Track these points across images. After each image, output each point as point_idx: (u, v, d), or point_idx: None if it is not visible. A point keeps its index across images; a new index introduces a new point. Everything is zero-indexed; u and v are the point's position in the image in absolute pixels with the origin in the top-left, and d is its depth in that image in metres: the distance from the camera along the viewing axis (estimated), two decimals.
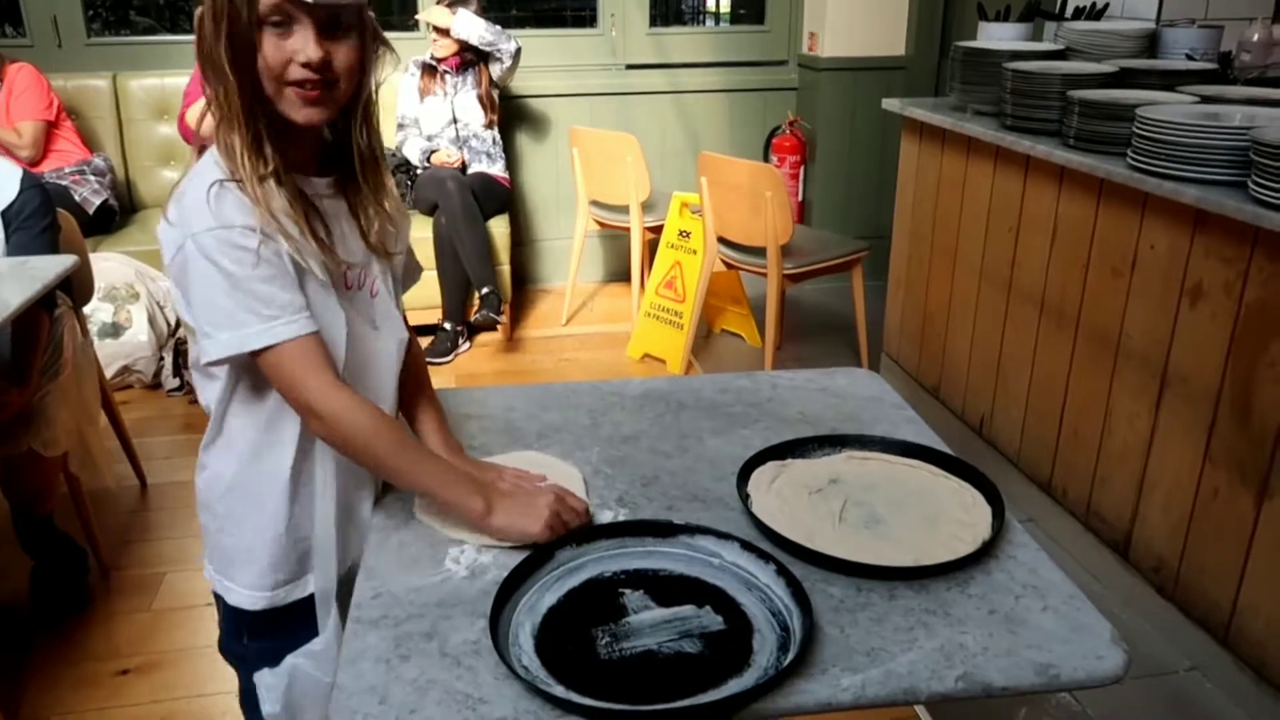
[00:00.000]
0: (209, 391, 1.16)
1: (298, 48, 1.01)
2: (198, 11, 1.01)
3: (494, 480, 1.15)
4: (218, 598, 1.26)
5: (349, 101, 1.08)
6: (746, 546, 1.02)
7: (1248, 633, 1.94)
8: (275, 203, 1.05)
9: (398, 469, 1.10)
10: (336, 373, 1.09)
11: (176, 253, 1.05)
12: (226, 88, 1.01)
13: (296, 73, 1.01)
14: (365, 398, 1.10)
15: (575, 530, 1.08)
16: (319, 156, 1.14)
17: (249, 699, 1.30)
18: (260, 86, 1.02)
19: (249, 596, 1.21)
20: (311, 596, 1.22)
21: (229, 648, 1.32)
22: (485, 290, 3.64)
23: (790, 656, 0.87)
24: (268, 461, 1.16)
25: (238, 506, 1.19)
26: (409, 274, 1.31)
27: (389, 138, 3.96)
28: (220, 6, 0.98)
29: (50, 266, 2.08)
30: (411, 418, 1.29)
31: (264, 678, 1.22)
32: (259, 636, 1.25)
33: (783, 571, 0.98)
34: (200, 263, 1.02)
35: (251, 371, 1.11)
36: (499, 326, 3.73)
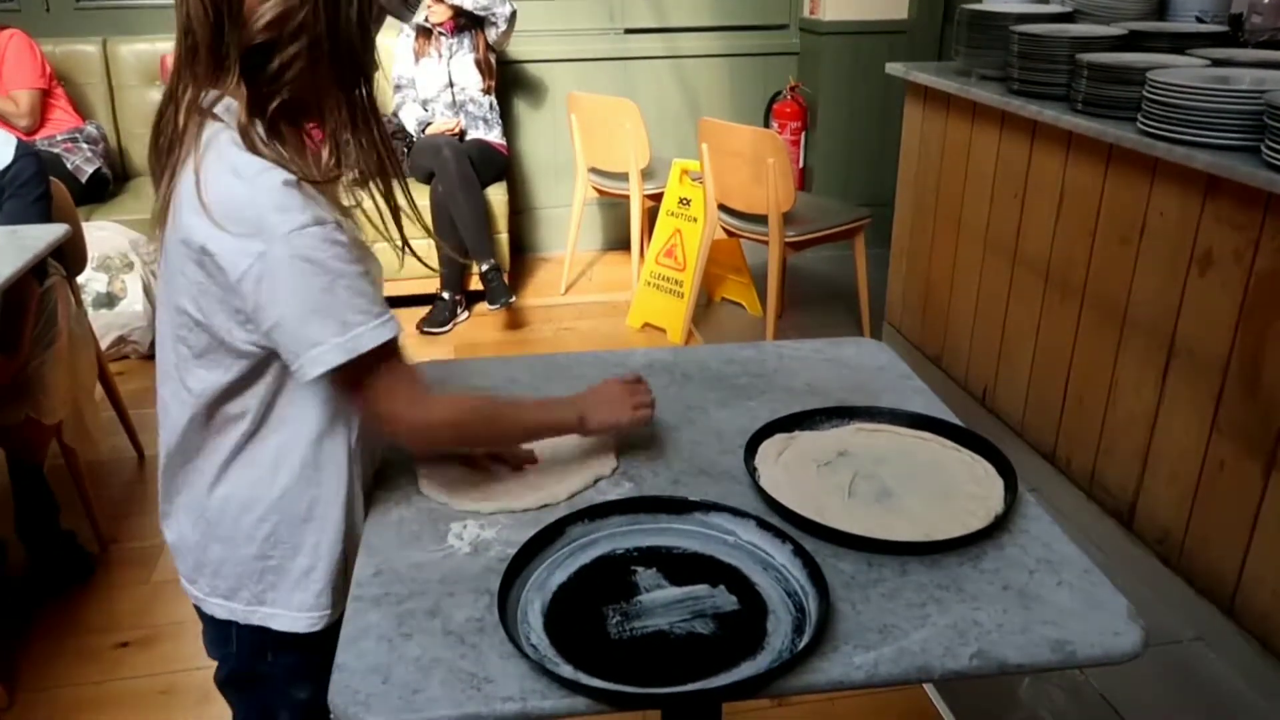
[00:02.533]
0: (218, 406, 1.05)
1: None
2: (266, 16, 0.92)
3: (595, 394, 1.16)
4: (217, 623, 1.16)
5: None
6: (763, 525, 1.00)
7: (1252, 604, 1.93)
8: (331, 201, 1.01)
9: (504, 433, 1.12)
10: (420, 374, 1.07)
11: (255, 262, 0.93)
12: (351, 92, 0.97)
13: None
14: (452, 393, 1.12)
15: (586, 505, 1.06)
16: None
17: (270, 717, 1.22)
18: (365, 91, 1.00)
19: (305, 619, 1.12)
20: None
21: (246, 669, 1.20)
22: (485, 267, 3.61)
23: (805, 640, 0.86)
24: (325, 470, 1.07)
25: (286, 528, 1.09)
26: None
27: (386, 101, 3.90)
28: (347, 20, 0.94)
29: (42, 236, 2.05)
30: None
31: None
32: (289, 652, 1.15)
33: (800, 552, 0.96)
34: (297, 265, 0.93)
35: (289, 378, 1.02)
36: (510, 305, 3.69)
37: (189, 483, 1.13)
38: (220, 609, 1.14)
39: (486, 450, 1.16)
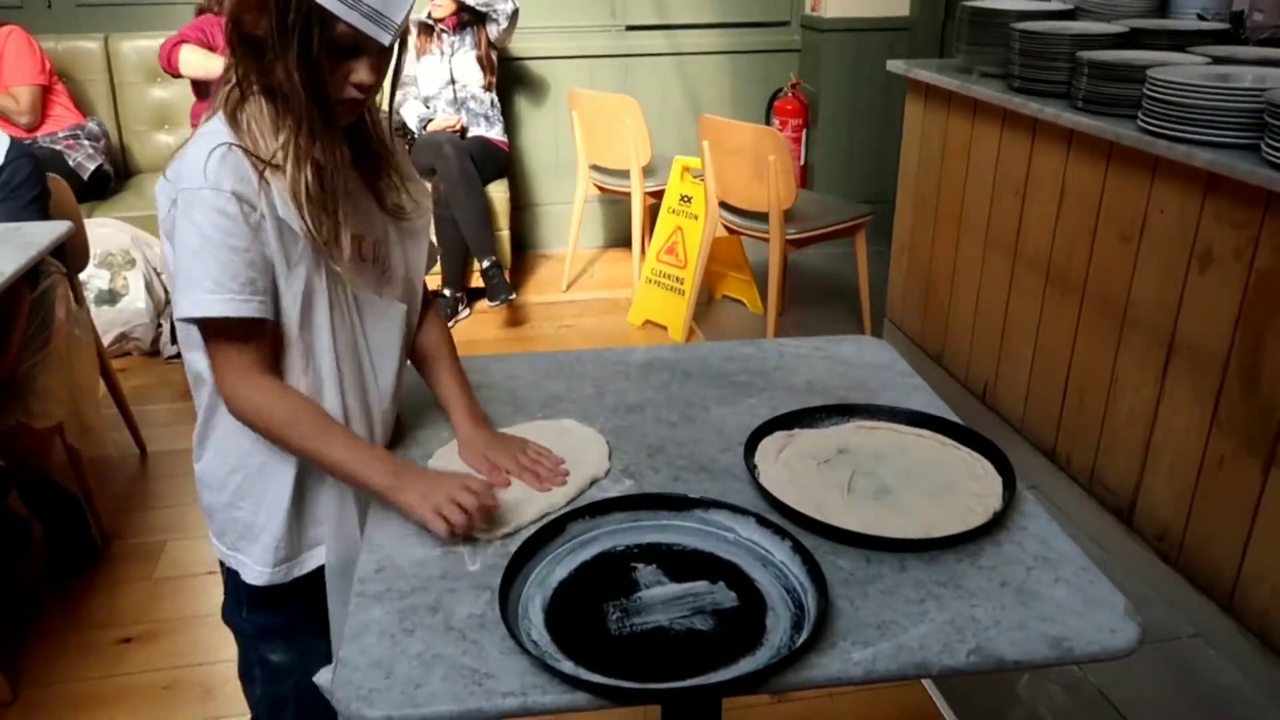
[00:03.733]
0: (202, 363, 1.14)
1: (355, 74, 1.05)
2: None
3: (428, 475, 1.12)
4: (225, 568, 1.28)
5: None
6: (762, 522, 1.01)
7: (1251, 600, 1.93)
8: (297, 182, 1.05)
9: (311, 450, 1.11)
10: (267, 361, 1.10)
11: (170, 208, 1.07)
12: (288, 93, 1.03)
13: (350, 93, 1.06)
14: (288, 386, 1.12)
15: (586, 504, 1.07)
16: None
17: (248, 671, 1.32)
18: (317, 92, 1.04)
19: (258, 572, 1.22)
20: (310, 574, 1.22)
21: (230, 618, 1.33)
22: (486, 264, 3.61)
23: (804, 636, 0.86)
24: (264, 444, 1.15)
25: (248, 482, 1.19)
26: (430, 256, 1.30)
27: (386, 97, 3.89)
28: (294, 23, 0.99)
29: (44, 233, 2.05)
30: (433, 385, 1.29)
31: (323, 678, 1.19)
32: (258, 611, 1.27)
33: (799, 549, 0.96)
34: (185, 222, 1.04)
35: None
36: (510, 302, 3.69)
37: (199, 436, 1.22)
38: (216, 549, 1.26)
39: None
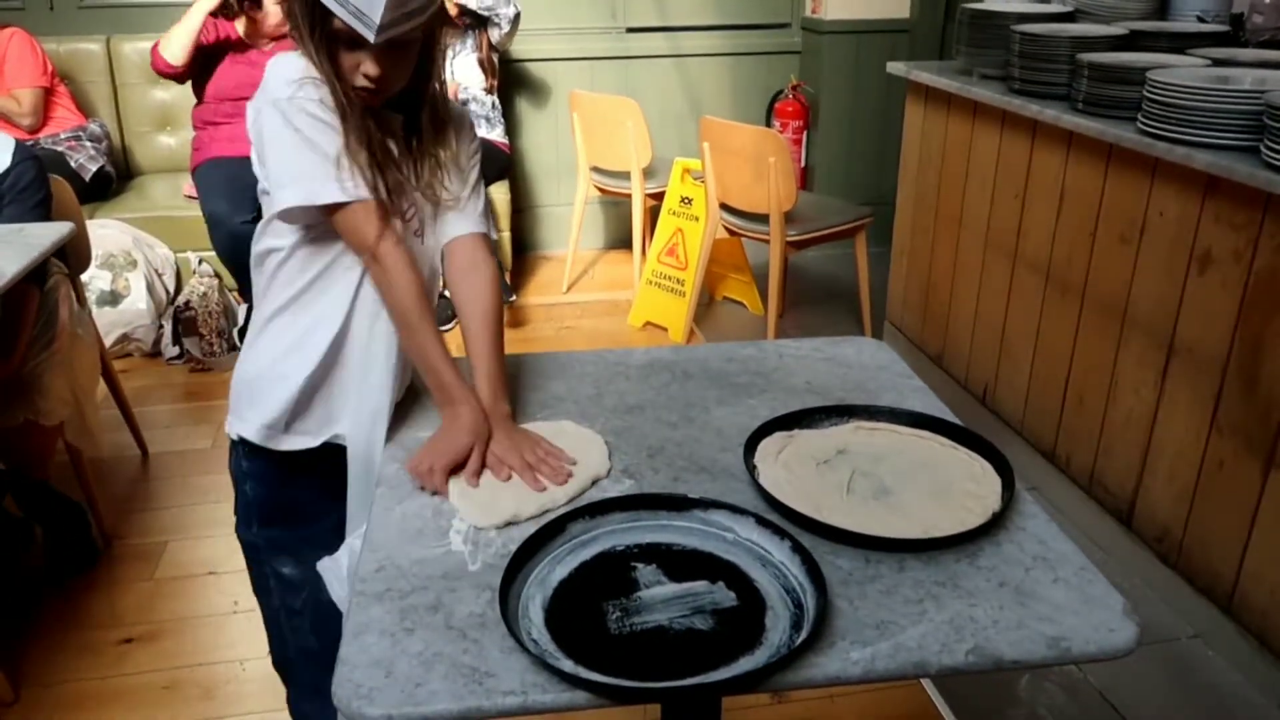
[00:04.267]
0: (268, 262, 1.26)
1: (362, 65, 1.13)
2: None
3: (479, 418, 1.19)
4: (234, 474, 1.36)
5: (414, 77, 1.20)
6: (761, 522, 1.01)
7: (1251, 602, 1.94)
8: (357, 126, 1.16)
9: (414, 331, 1.20)
10: (397, 230, 1.20)
11: (256, 117, 1.18)
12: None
13: (359, 80, 1.15)
14: (413, 262, 1.21)
15: (588, 502, 1.08)
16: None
17: (263, 584, 1.40)
18: (333, 74, 1.16)
19: (250, 427, 1.30)
20: (298, 455, 1.31)
21: (241, 533, 1.41)
22: None
23: (803, 635, 0.86)
24: (312, 310, 1.25)
25: (268, 341, 1.29)
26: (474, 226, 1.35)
27: None
28: (303, 13, 1.12)
29: (46, 234, 2.06)
30: (470, 354, 1.31)
31: (325, 565, 1.25)
32: (269, 525, 1.36)
33: (798, 548, 0.97)
34: (276, 123, 1.15)
35: (314, 234, 1.22)
36: (511, 303, 3.70)
37: (258, 318, 1.32)
38: (230, 428, 1.34)
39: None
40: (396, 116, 1.23)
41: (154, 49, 3.43)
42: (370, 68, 1.13)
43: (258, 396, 1.30)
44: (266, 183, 1.20)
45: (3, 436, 2.16)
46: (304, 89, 1.15)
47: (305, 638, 1.42)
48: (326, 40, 1.12)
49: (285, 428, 1.30)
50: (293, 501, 1.35)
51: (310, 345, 1.26)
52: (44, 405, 2.14)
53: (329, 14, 1.09)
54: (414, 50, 1.17)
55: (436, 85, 1.25)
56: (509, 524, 1.06)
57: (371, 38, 1.09)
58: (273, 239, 1.25)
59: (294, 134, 1.14)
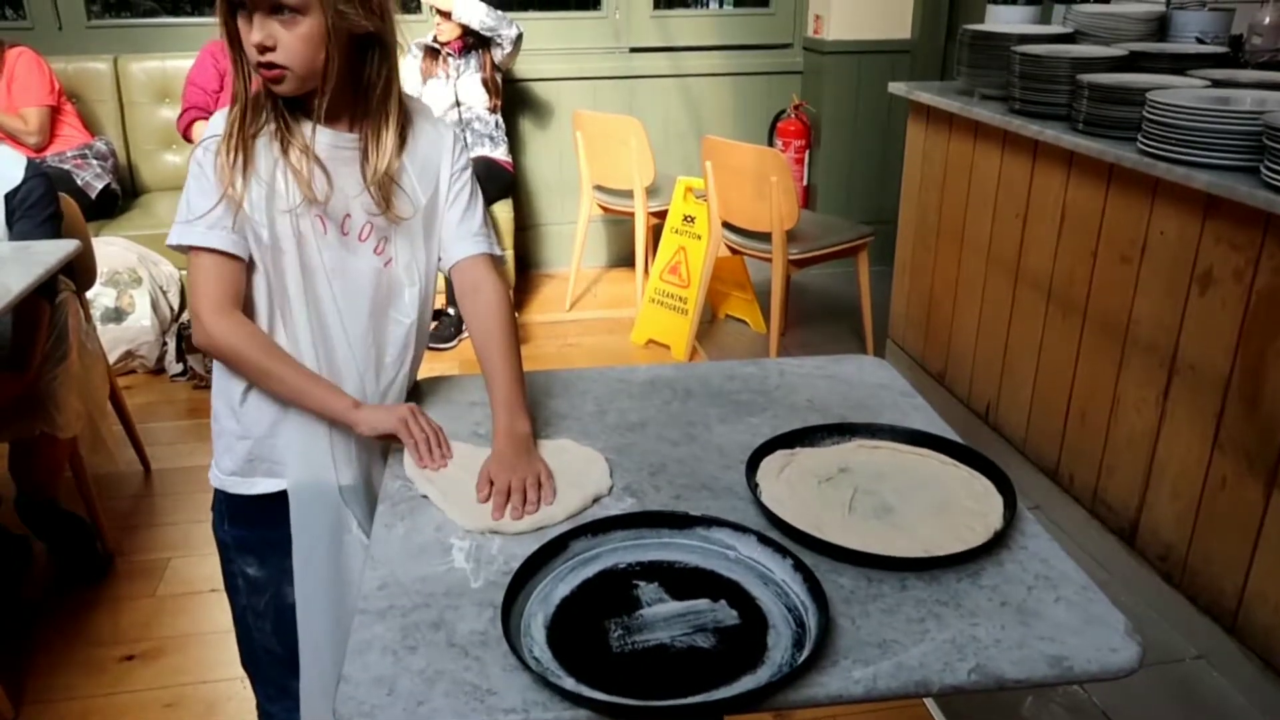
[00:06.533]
0: None
1: (251, 34, 1.12)
2: None
3: (368, 409, 1.27)
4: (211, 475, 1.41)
5: (326, 69, 1.15)
6: (763, 540, 1.01)
7: (1255, 622, 1.93)
8: (262, 157, 1.19)
9: (272, 377, 1.24)
10: (234, 295, 1.22)
11: None
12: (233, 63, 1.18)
13: (253, 55, 1.13)
14: (245, 321, 1.23)
15: (589, 521, 1.08)
16: (333, 109, 1.20)
17: (231, 582, 1.44)
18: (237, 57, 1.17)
19: (215, 476, 1.37)
20: (264, 497, 1.34)
21: (215, 529, 1.44)
22: None
23: (805, 654, 0.86)
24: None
25: (217, 396, 1.34)
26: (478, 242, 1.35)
27: None
28: None
29: (53, 251, 2.07)
30: (485, 378, 1.32)
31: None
32: (235, 524, 1.39)
33: (800, 567, 0.97)
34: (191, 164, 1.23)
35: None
36: None
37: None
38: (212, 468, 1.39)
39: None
40: (341, 121, 1.23)
41: (183, 129, 3.55)
42: (254, 35, 1.11)
43: (225, 444, 1.35)
44: None
45: (16, 451, 2.18)
46: (214, 129, 1.20)
47: (268, 639, 1.44)
48: (225, 15, 1.13)
49: (234, 474, 1.36)
50: (259, 505, 1.36)
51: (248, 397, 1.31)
52: (59, 419, 2.17)
53: None
54: (310, 25, 1.11)
55: (384, 84, 1.21)
56: (493, 533, 1.08)
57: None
58: None
59: (189, 175, 1.22)
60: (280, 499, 1.33)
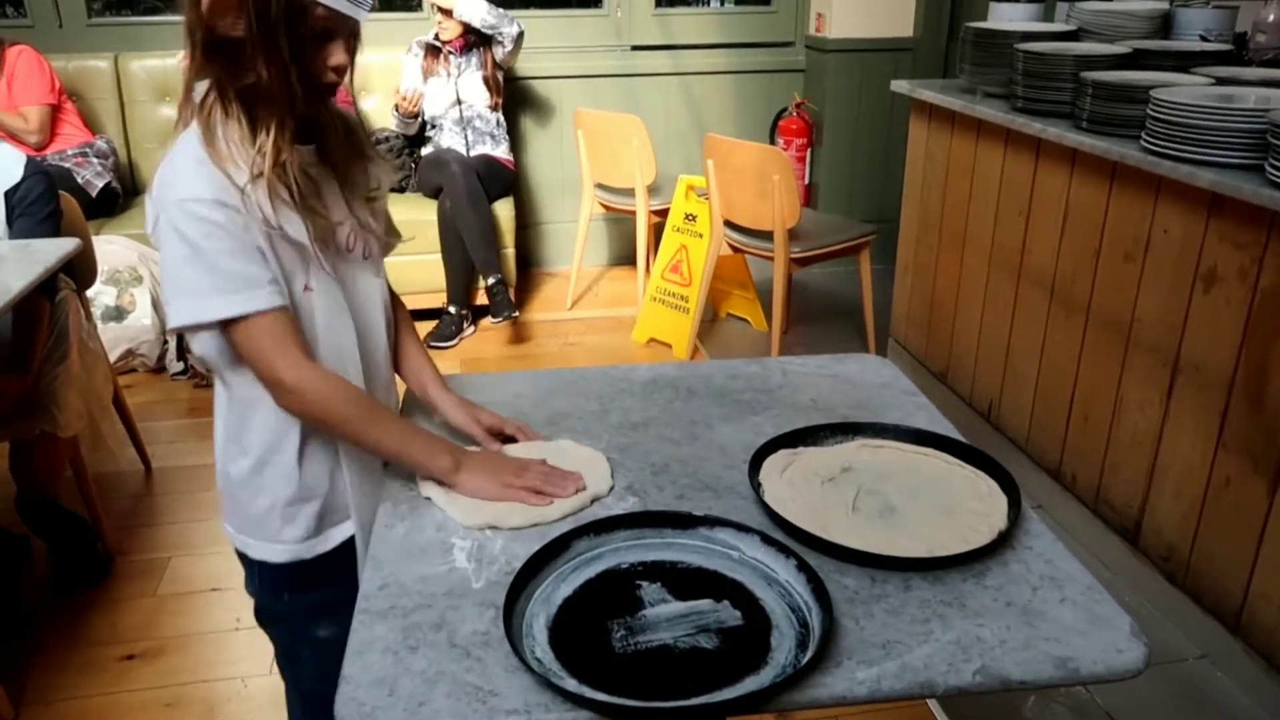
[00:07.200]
0: (228, 374, 1.17)
1: (336, 57, 1.07)
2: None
3: (489, 455, 1.20)
4: (243, 558, 1.27)
5: None
6: (767, 540, 1.01)
7: (1259, 621, 1.92)
8: (288, 181, 1.08)
9: (366, 435, 1.15)
10: (304, 346, 1.12)
11: (155, 224, 1.08)
12: (273, 91, 1.04)
13: (330, 77, 1.08)
14: (330, 371, 1.14)
15: (590, 519, 1.07)
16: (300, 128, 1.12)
17: (293, 654, 1.33)
18: (305, 83, 1.05)
19: (271, 549, 1.23)
20: (338, 548, 1.25)
21: (268, 608, 1.32)
22: (491, 280, 3.62)
23: (809, 655, 0.86)
24: (283, 430, 1.18)
25: (253, 472, 1.20)
26: (391, 233, 1.30)
27: (387, 118, 3.93)
28: (277, 16, 1.00)
29: (52, 250, 2.07)
30: (402, 366, 1.33)
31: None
32: (301, 590, 1.26)
33: (803, 567, 0.96)
34: (168, 232, 1.05)
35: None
36: (515, 319, 3.71)
37: (229, 433, 1.23)
38: (236, 540, 1.26)
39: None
40: (309, 146, 1.14)
41: None
42: (342, 57, 1.07)
43: (269, 517, 1.22)
44: (161, 295, 1.15)
45: (16, 450, 2.18)
46: (196, 184, 1.05)
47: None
48: (303, 40, 1.03)
49: (316, 533, 1.24)
50: (331, 558, 1.25)
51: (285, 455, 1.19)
52: (60, 418, 2.16)
53: (308, 8, 1.02)
54: (360, 33, 1.11)
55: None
56: (492, 527, 1.08)
57: (365, 16, 1.07)
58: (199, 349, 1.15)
59: (182, 243, 1.05)
60: (347, 542, 1.26)
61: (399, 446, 1.15)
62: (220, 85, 1.06)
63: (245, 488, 1.21)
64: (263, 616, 1.34)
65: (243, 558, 1.28)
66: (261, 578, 1.27)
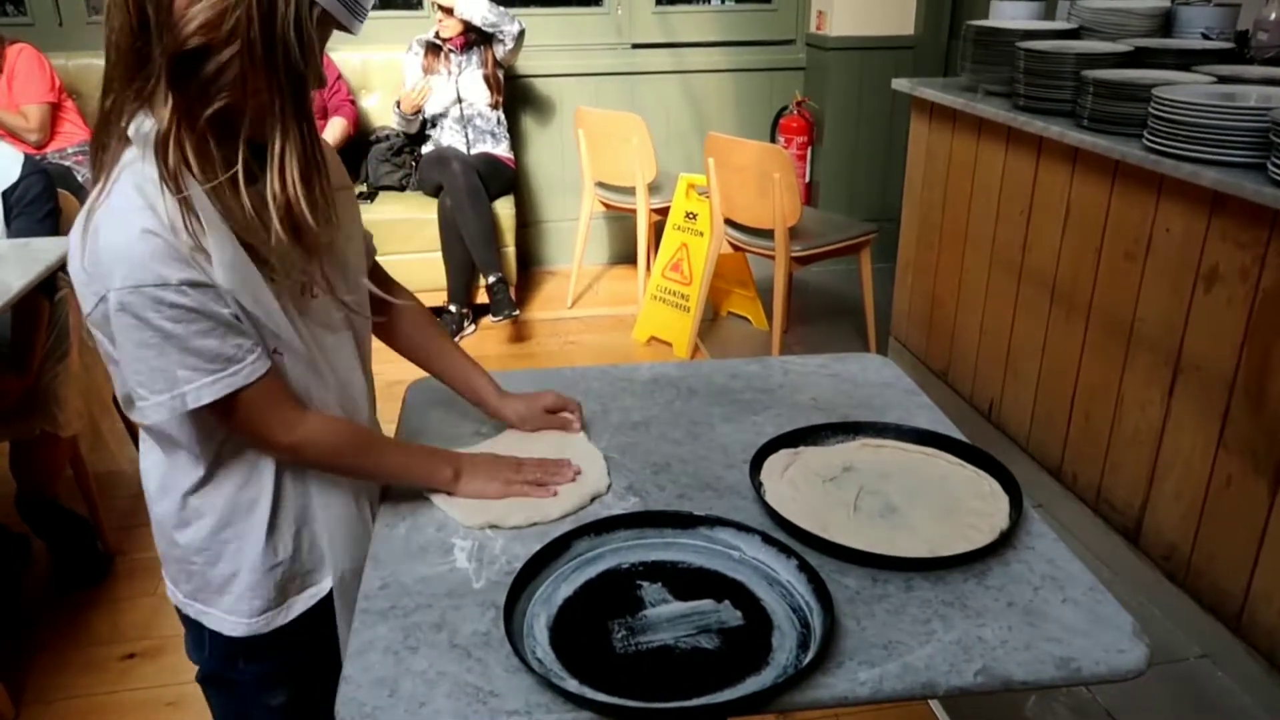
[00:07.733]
0: (187, 441, 1.05)
1: (323, 64, 0.97)
2: (197, 19, 0.86)
3: (486, 457, 1.18)
4: (191, 623, 1.17)
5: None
6: (768, 540, 1.00)
7: (1260, 621, 1.92)
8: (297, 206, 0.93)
9: (369, 467, 1.13)
10: (292, 398, 1.04)
11: (97, 304, 0.92)
12: (279, 107, 0.89)
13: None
14: (323, 411, 1.07)
15: (590, 518, 1.07)
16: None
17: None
18: (301, 98, 0.91)
19: (230, 623, 1.13)
20: (305, 614, 1.16)
21: (217, 673, 1.19)
22: (492, 279, 3.62)
23: (810, 655, 0.86)
24: (249, 495, 1.09)
25: (215, 539, 1.10)
26: (369, 252, 1.22)
27: (388, 117, 3.93)
28: (284, 22, 0.86)
29: (52, 249, 2.06)
30: (445, 370, 1.31)
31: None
32: (259, 660, 1.16)
33: (804, 567, 0.96)
34: (127, 320, 0.91)
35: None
36: (515, 318, 3.71)
37: (174, 505, 1.11)
38: (175, 596, 1.17)
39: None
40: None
41: None
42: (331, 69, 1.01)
43: (224, 585, 1.12)
44: (123, 382, 0.98)
45: (16, 449, 2.18)
46: (152, 264, 0.89)
47: None
48: (304, 51, 0.90)
49: (276, 604, 1.14)
50: (294, 627, 1.16)
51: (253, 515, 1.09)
52: (60, 417, 2.16)
53: (310, 13, 0.90)
54: None
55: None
56: (493, 526, 1.08)
57: (358, 29, 0.95)
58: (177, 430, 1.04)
59: (145, 330, 0.91)
60: (315, 607, 1.16)
61: (400, 470, 1.14)
62: (189, 118, 0.89)
63: (201, 554, 1.11)
64: (209, 683, 1.21)
65: (186, 620, 1.17)
66: (213, 646, 1.16)
